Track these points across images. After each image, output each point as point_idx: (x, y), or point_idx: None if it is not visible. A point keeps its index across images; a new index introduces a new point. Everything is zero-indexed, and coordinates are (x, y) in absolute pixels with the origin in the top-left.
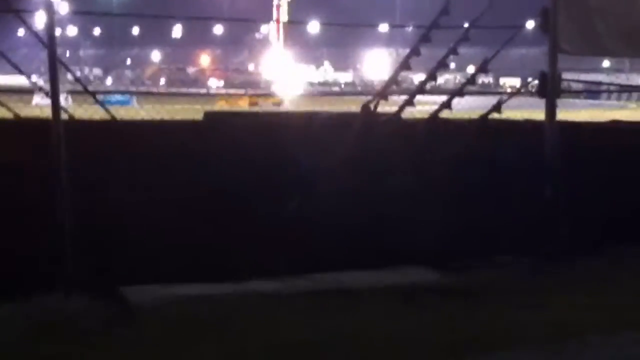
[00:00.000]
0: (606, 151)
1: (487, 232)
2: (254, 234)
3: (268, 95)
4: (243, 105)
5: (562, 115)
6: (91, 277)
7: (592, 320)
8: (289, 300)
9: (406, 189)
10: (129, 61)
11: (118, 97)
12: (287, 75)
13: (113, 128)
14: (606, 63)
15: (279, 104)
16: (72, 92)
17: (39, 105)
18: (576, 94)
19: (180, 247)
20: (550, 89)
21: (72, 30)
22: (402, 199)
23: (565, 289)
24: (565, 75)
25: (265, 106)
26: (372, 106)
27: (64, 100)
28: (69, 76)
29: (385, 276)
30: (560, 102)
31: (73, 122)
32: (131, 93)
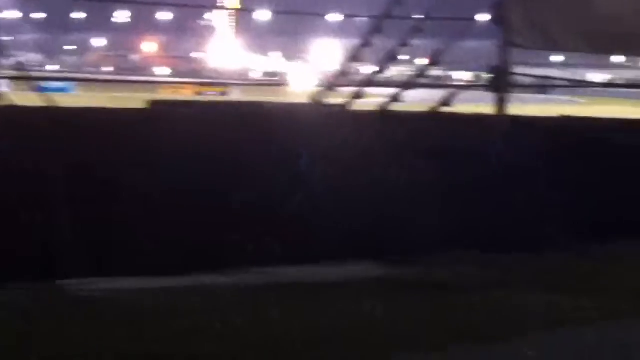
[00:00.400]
0: (556, 146)
1: (436, 226)
2: (199, 227)
3: (219, 84)
4: (187, 94)
5: (513, 109)
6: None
7: None
8: (231, 293)
9: (354, 181)
10: (70, 47)
11: (58, 83)
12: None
13: (51, 115)
14: (557, 57)
15: (224, 93)
16: (10, 78)
17: None
18: (527, 88)
19: (122, 241)
20: (501, 83)
21: (12, 14)
22: (350, 191)
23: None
24: (517, 70)
25: (210, 95)
26: (320, 97)
27: (2, 86)
28: (8, 61)
29: (332, 271)
30: (510, 96)
31: (10, 107)
32: (72, 80)
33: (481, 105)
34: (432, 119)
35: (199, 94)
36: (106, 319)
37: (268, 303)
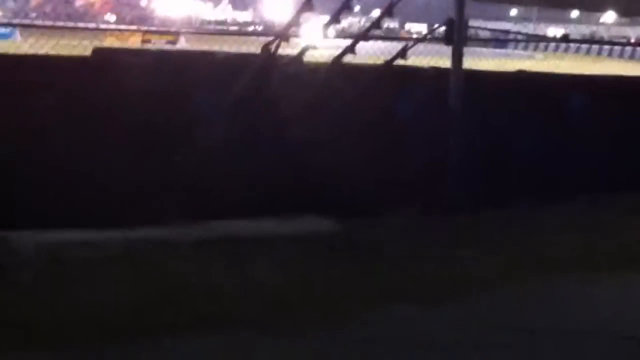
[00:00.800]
0: (511, 101)
1: (383, 182)
2: (145, 181)
3: (167, 32)
4: (135, 42)
5: (469, 63)
6: None
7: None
8: (174, 247)
9: (304, 136)
10: None
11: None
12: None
13: None
14: (514, 12)
15: (174, 42)
16: None
17: None
18: (483, 42)
19: (63, 193)
20: (457, 37)
21: None
22: (300, 146)
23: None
24: (473, 23)
25: (159, 44)
26: (272, 48)
27: None
28: None
29: (276, 225)
30: (466, 50)
31: None
32: (12, 25)
33: (437, 58)
34: (385, 72)
35: (147, 42)
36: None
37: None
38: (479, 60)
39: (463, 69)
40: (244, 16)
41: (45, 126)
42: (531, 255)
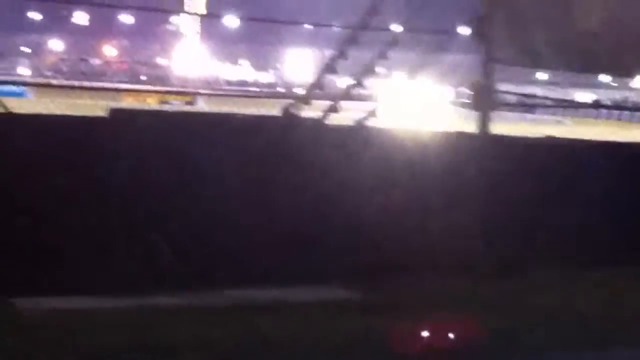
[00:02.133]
0: (538, 168)
1: (414, 250)
2: (154, 244)
3: (185, 92)
4: (152, 102)
5: (495, 128)
6: None
7: None
8: (184, 316)
9: (327, 201)
10: (26, 49)
11: (12, 87)
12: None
13: (3, 121)
14: (543, 76)
15: (192, 103)
16: None
17: None
18: (510, 107)
19: (74, 254)
20: (483, 101)
21: None
22: (321, 212)
23: None
24: (500, 87)
25: (177, 105)
26: (293, 110)
27: None
28: None
29: (296, 292)
30: (494, 115)
31: None
32: (27, 84)
33: (463, 122)
34: (410, 135)
35: (164, 102)
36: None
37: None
38: (507, 125)
39: (489, 134)
40: (265, 77)
41: (57, 189)
42: None
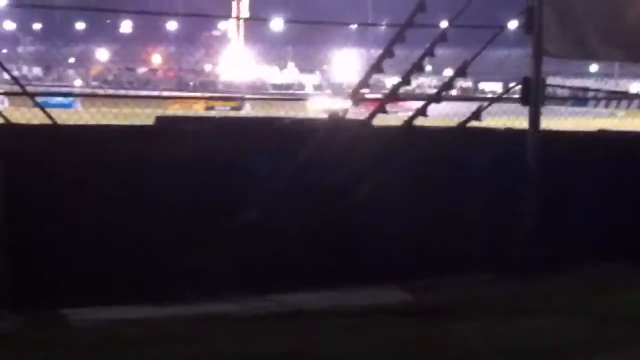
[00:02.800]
0: (592, 164)
1: (456, 248)
2: (206, 251)
3: (231, 98)
4: (198, 108)
5: (546, 123)
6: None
7: None
8: (240, 323)
9: (373, 202)
10: (72, 59)
11: (60, 99)
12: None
13: (53, 133)
14: (594, 67)
15: (238, 108)
16: (6, 94)
17: None
18: (561, 100)
19: (123, 267)
20: (533, 96)
21: (9, 25)
22: (368, 213)
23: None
24: (550, 81)
25: (223, 111)
26: (340, 112)
27: None
28: (5, 75)
29: (347, 296)
30: (544, 109)
31: (9, 126)
32: (74, 95)
33: (513, 118)
34: (458, 134)
35: (210, 108)
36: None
37: (277, 331)
38: (556, 119)
39: (540, 130)
40: (311, 79)
41: (106, 200)
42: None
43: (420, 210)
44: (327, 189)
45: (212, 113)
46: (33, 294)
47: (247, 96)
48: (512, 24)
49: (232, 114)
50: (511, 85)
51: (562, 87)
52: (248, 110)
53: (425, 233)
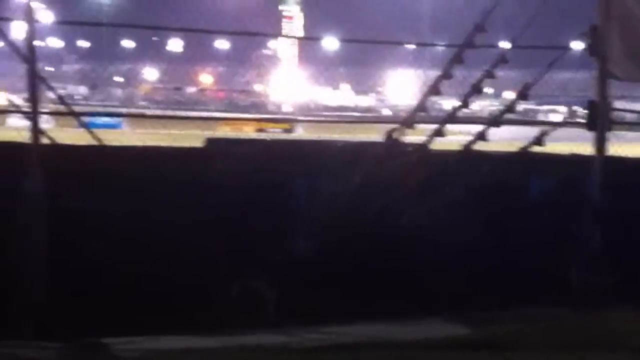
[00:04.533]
0: None
1: (516, 278)
2: (255, 278)
3: (283, 120)
4: (249, 130)
5: (613, 149)
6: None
7: None
8: (294, 355)
9: (429, 230)
10: (119, 78)
11: (106, 119)
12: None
13: (98, 155)
14: None
15: (290, 130)
16: (52, 114)
17: (15, 127)
18: (629, 125)
19: (167, 295)
20: (600, 120)
21: (54, 42)
22: (423, 241)
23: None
24: (617, 104)
25: (274, 133)
26: (396, 135)
27: (44, 121)
28: (51, 94)
29: (400, 330)
30: (610, 134)
31: (54, 146)
32: (121, 115)
33: (578, 143)
34: (519, 159)
35: (261, 130)
36: None
37: None
38: (619, 145)
39: (606, 155)
40: (365, 101)
41: (153, 224)
42: None
43: (478, 238)
44: (380, 216)
45: (263, 135)
46: (71, 323)
47: (299, 118)
48: (576, 45)
49: (284, 136)
50: (575, 108)
51: (632, 111)
52: (300, 133)
53: (483, 263)
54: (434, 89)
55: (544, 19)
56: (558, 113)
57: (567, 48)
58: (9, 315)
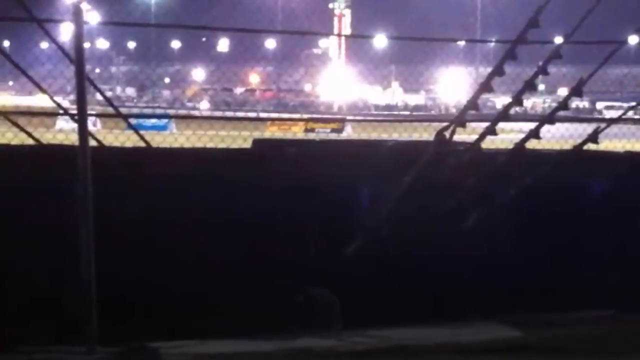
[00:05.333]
0: None
1: (572, 281)
2: (308, 281)
3: (333, 119)
4: (297, 131)
5: None
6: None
7: None
8: (343, 358)
9: (482, 232)
10: (167, 79)
11: (154, 121)
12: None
13: (147, 157)
14: None
15: (339, 130)
16: (99, 115)
17: (63, 130)
18: None
19: (214, 298)
20: None
21: (102, 44)
22: (478, 243)
23: None
24: None
25: (323, 132)
26: (447, 134)
27: (91, 124)
28: (98, 96)
29: (454, 333)
30: None
31: (102, 149)
32: (169, 117)
33: (634, 141)
34: (574, 158)
35: (310, 130)
36: None
37: None
38: None
39: None
40: (415, 99)
41: (201, 226)
42: None
43: (533, 240)
44: (432, 218)
45: (312, 135)
46: (118, 326)
47: (349, 118)
48: (633, 40)
49: (333, 136)
50: (633, 104)
51: None
52: (349, 133)
53: (539, 264)
54: (486, 87)
55: (599, 13)
56: (613, 110)
57: (623, 42)
58: (57, 320)
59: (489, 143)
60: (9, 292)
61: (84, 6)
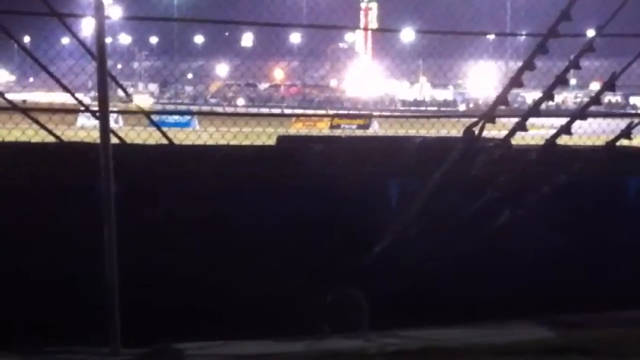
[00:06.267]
0: None
1: (606, 281)
2: (336, 281)
3: (359, 115)
4: (323, 127)
5: None
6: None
7: None
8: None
9: (514, 230)
10: (190, 75)
11: (177, 117)
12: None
13: (170, 154)
14: None
15: (366, 126)
16: (121, 112)
17: (85, 127)
18: None
19: (239, 299)
20: None
21: (124, 39)
22: (507, 242)
23: None
24: None
25: (349, 129)
26: (476, 130)
27: (113, 121)
28: (120, 92)
29: (484, 333)
30: None
31: (124, 147)
32: (192, 113)
33: None
34: (606, 154)
35: (336, 127)
36: None
37: None
38: None
39: None
40: (443, 95)
41: (225, 225)
42: None
43: (565, 239)
44: (462, 216)
45: (338, 132)
46: (141, 328)
47: (376, 113)
48: None
49: (359, 132)
50: None
51: None
52: (376, 129)
53: (571, 264)
54: (516, 81)
55: (634, 4)
56: None
57: None
58: (81, 320)
59: (519, 139)
60: (32, 293)
61: (106, 1)
